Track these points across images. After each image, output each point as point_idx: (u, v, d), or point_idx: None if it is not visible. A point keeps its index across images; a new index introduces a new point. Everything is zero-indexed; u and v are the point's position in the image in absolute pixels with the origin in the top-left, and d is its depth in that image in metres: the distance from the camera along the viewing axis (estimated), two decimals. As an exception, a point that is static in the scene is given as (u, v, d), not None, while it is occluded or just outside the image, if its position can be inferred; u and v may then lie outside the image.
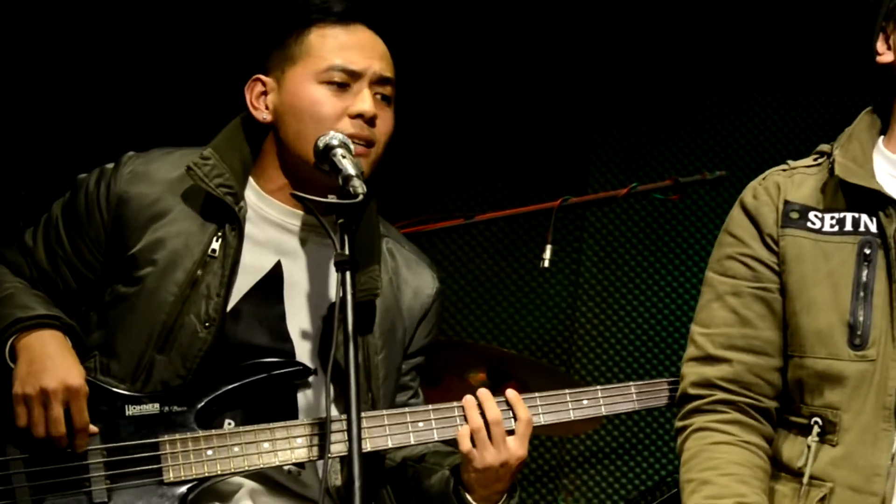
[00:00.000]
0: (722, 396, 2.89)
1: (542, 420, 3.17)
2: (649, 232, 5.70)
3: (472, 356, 4.48)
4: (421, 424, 3.12)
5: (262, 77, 3.21)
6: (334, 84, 3.13)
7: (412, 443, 3.13)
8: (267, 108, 3.19)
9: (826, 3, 5.35)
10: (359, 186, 2.92)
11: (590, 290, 5.65)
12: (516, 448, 3.10)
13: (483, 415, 3.09)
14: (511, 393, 3.14)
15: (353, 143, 3.09)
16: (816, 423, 2.80)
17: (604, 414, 3.25)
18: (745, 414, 2.88)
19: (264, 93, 3.20)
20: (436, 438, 3.14)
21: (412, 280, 3.33)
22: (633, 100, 5.72)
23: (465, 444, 3.08)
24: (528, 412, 3.13)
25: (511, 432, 3.11)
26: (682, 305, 5.66)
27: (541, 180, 5.54)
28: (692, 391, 2.93)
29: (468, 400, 3.12)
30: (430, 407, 3.15)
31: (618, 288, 5.67)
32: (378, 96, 3.17)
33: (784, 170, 2.99)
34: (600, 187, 5.54)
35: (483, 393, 3.13)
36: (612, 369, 5.61)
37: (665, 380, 3.27)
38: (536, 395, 3.19)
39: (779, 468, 2.89)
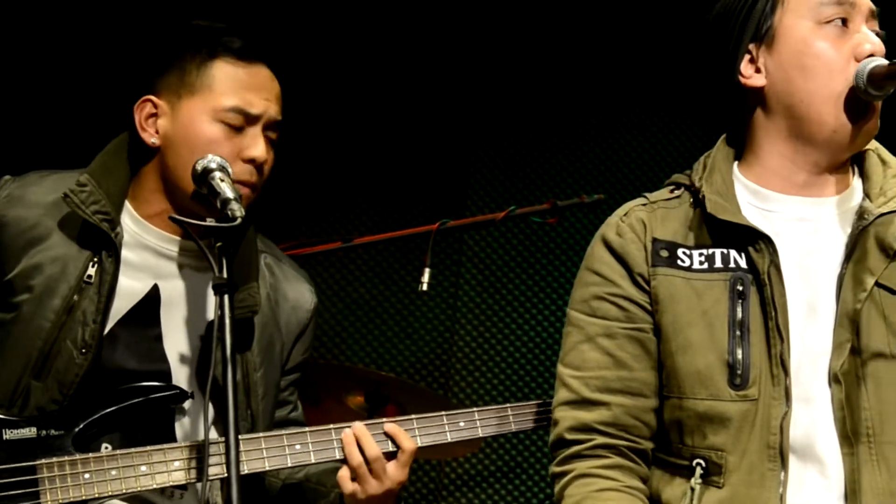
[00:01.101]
0: (602, 441, 2.84)
1: (420, 442, 3.23)
2: (527, 255, 5.74)
3: (350, 379, 4.48)
4: (298, 447, 3.16)
5: (154, 99, 3.20)
6: (230, 125, 3.16)
7: (289, 465, 3.17)
8: (157, 132, 3.20)
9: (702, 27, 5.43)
10: (237, 210, 2.95)
11: (468, 314, 5.68)
12: (397, 475, 3.18)
13: (362, 451, 3.15)
14: (391, 426, 3.20)
15: (241, 185, 3.12)
16: (699, 464, 2.77)
17: (480, 436, 3.30)
18: (625, 458, 2.84)
19: (154, 115, 3.20)
20: (312, 461, 3.18)
21: (291, 295, 3.38)
22: (512, 123, 5.76)
23: (348, 487, 3.16)
24: (413, 443, 3.19)
25: (391, 455, 3.18)
26: (560, 329, 5.64)
27: (419, 204, 5.58)
28: (570, 436, 2.86)
29: (347, 436, 3.17)
30: (307, 429, 3.19)
31: (496, 311, 5.70)
32: (267, 139, 3.21)
33: (644, 204, 2.96)
34: (478, 210, 5.58)
35: (359, 429, 3.18)
36: (490, 392, 5.64)
37: (541, 401, 3.34)
38: (413, 417, 3.25)
39: None
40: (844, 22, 2.82)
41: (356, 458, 3.14)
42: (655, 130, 5.84)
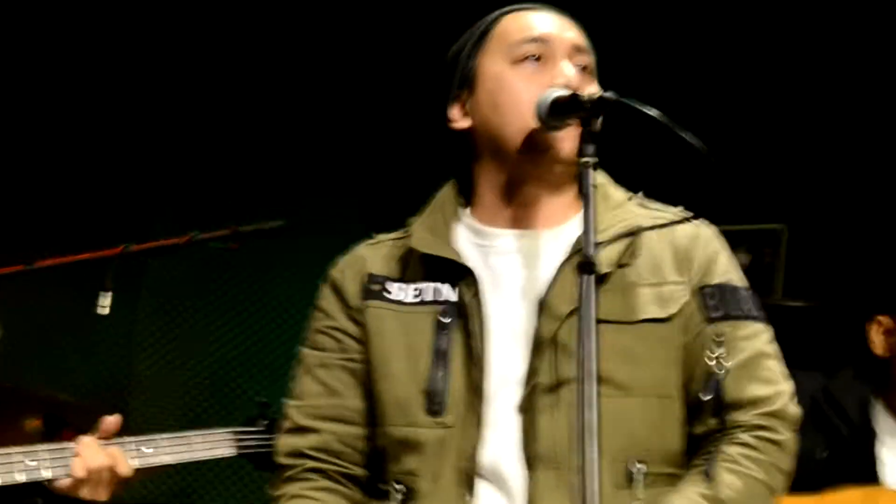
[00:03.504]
0: (312, 465, 2.92)
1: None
2: (208, 281, 5.84)
3: (27, 402, 4.45)
4: None
5: None
6: None
7: None
8: None
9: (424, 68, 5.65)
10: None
11: (148, 338, 5.75)
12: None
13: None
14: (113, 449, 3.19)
15: None
16: (400, 490, 2.83)
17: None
18: (333, 481, 2.92)
19: None
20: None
21: None
22: (197, 149, 5.86)
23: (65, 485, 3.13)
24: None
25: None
26: (240, 355, 5.82)
27: (102, 228, 5.58)
28: (285, 461, 2.95)
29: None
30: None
31: (176, 336, 5.79)
32: None
33: (370, 244, 3.03)
34: (162, 235, 5.62)
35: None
36: (169, 419, 5.68)
37: (229, 430, 3.37)
38: (147, 438, 3.25)
39: None
40: (541, 59, 2.87)
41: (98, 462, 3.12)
42: (337, 157, 5.97)
